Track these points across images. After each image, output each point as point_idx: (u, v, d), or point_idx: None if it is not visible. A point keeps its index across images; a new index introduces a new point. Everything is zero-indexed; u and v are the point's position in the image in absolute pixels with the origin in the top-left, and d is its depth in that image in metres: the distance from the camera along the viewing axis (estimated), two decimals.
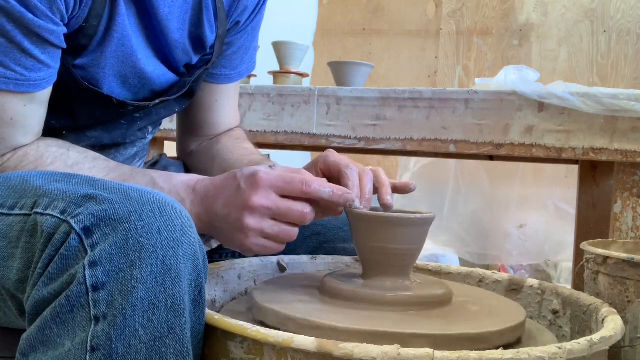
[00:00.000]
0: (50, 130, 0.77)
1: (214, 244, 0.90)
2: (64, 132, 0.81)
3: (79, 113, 0.81)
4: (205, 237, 0.90)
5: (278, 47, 1.76)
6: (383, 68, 3.19)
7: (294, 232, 0.66)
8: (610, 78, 2.86)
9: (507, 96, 1.30)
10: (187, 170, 1.03)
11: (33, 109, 0.70)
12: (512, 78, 1.37)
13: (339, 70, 1.67)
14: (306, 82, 1.91)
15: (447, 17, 3.13)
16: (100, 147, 0.86)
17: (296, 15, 3.11)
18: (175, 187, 0.68)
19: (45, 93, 0.72)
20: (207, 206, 0.66)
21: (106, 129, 0.85)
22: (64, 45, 0.71)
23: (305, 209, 0.64)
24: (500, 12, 3.03)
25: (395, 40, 3.21)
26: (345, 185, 0.69)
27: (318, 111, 1.43)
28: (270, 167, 0.66)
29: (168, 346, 0.50)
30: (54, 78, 0.72)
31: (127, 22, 0.76)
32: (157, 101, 0.85)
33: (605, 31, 2.87)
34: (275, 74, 1.76)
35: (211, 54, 0.90)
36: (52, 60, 0.70)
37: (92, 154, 0.71)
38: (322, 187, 0.63)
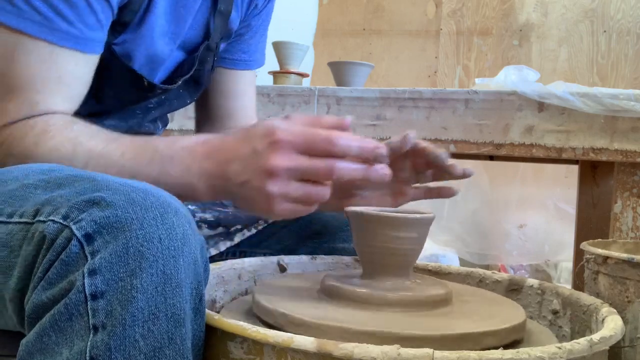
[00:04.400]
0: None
1: (222, 247, 0.90)
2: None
3: (105, 94, 0.80)
4: (214, 239, 0.90)
5: (278, 47, 1.76)
6: (383, 68, 3.19)
7: (325, 191, 0.59)
8: (610, 78, 2.86)
9: (507, 96, 1.30)
10: None
11: (82, 72, 0.70)
12: (512, 78, 1.37)
13: (339, 70, 1.67)
14: (306, 82, 1.91)
15: (447, 17, 3.13)
16: None
17: (296, 15, 3.11)
18: (178, 152, 0.63)
19: (95, 59, 0.71)
20: (220, 172, 0.61)
21: (123, 117, 0.85)
22: (115, 14, 0.71)
23: (332, 164, 0.57)
24: (500, 12, 3.03)
25: (395, 40, 3.21)
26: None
27: (318, 111, 1.43)
28: (286, 117, 0.61)
29: (168, 357, 0.49)
30: (102, 48, 0.71)
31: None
32: (179, 82, 0.85)
33: (605, 31, 2.87)
34: (275, 74, 1.76)
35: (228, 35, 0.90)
36: (106, 24, 0.70)
37: (95, 127, 0.69)
38: (350, 144, 0.56)
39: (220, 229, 0.90)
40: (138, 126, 0.88)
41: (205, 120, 1.01)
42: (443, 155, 0.74)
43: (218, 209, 0.91)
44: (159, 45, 0.80)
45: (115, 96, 0.81)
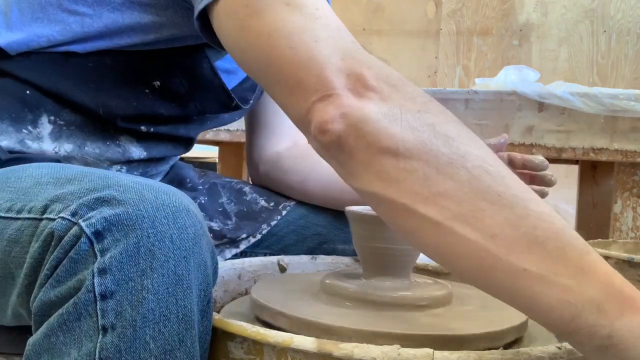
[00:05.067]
0: (144, 116, 0.76)
1: (228, 254, 0.90)
2: (148, 125, 0.78)
3: (193, 105, 0.79)
4: (219, 248, 0.90)
5: None
6: None
7: None
8: (610, 78, 2.86)
9: (507, 96, 1.30)
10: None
11: None
12: (512, 78, 1.37)
13: None
14: None
15: (447, 17, 3.13)
16: (142, 162, 0.82)
17: None
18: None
19: None
20: None
21: (188, 126, 0.83)
22: None
23: None
24: (500, 12, 3.03)
25: (395, 40, 3.21)
26: None
27: None
28: None
29: (179, 359, 0.49)
30: None
31: None
32: (252, 102, 0.86)
33: (605, 31, 2.87)
34: None
35: None
36: None
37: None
38: None
39: (225, 239, 0.90)
40: (195, 133, 0.86)
41: (262, 130, 0.98)
42: (544, 164, 0.73)
43: (223, 219, 0.91)
44: None
45: (200, 108, 0.80)
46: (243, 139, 1.05)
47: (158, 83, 0.74)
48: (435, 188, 0.45)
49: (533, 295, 0.42)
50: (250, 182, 1.01)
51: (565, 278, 0.42)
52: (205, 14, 0.60)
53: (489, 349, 0.54)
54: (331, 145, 0.49)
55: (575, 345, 0.43)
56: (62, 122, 0.73)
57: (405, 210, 0.46)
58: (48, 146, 0.73)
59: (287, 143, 0.96)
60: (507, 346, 0.56)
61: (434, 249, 0.47)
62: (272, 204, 0.93)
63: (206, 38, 0.62)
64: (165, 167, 0.90)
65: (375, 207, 0.50)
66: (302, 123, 0.52)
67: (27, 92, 0.72)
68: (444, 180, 0.45)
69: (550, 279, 0.42)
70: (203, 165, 2.43)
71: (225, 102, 0.80)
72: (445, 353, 0.47)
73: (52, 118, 0.73)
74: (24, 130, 0.72)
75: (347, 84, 0.49)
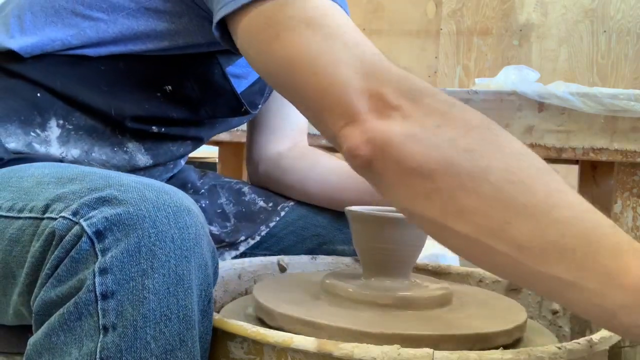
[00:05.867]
0: (159, 119, 0.76)
1: (227, 257, 0.90)
2: (159, 126, 0.78)
3: (202, 107, 0.79)
4: (219, 250, 0.90)
5: None
6: None
7: None
8: (610, 78, 2.86)
9: (507, 96, 1.30)
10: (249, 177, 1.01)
11: None
12: (512, 78, 1.37)
13: None
14: None
15: (447, 17, 3.13)
16: (147, 168, 0.82)
17: None
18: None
19: None
20: None
21: (199, 129, 0.84)
22: None
23: None
24: (500, 12, 3.03)
25: (395, 40, 3.21)
26: None
27: None
28: None
29: (179, 359, 0.49)
30: None
31: None
32: (260, 107, 0.86)
33: (605, 31, 2.87)
34: None
35: None
36: None
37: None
38: None
39: (224, 243, 0.90)
40: (208, 136, 0.87)
41: (264, 130, 0.97)
42: None
43: (221, 222, 0.91)
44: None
45: (212, 112, 0.80)
46: (243, 139, 1.05)
47: (170, 88, 0.75)
48: (461, 204, 0.46)
49: (567, 300, 0.44)
50: (249, 182, 1.01)
51: (595, 284, 0.42)
52: (223, 22, 0.60)
53: (489, 348, 0.54)
54: (362, 168, 0.51)
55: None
56: (70, 127, 0.73)
57: (437, 226, 0.48)
58: (55, 150, 0.72)
59: (287, 144, 0.96)
60: (507, 346, 0.56)
61: (472, 260, 0.49)
62: (270, 204, 0.93)
63: (226, 45, 0.63)
64: (168, 175, 0.90)
65: (413, 222, 0.52)
66: (335, 144, 0.54)
67: (38, 94, 0.72)
68: (468, 195, 0.46)
69: (580, 285, 0.43)
70: (203, 165, 2.43)
71: (235, 108, 0.80)
72: (445, 353, 0.47)
73: (61, 122, 0.73)
74: (32, 133, 0.72)
75: (370, 105, 0.51)
